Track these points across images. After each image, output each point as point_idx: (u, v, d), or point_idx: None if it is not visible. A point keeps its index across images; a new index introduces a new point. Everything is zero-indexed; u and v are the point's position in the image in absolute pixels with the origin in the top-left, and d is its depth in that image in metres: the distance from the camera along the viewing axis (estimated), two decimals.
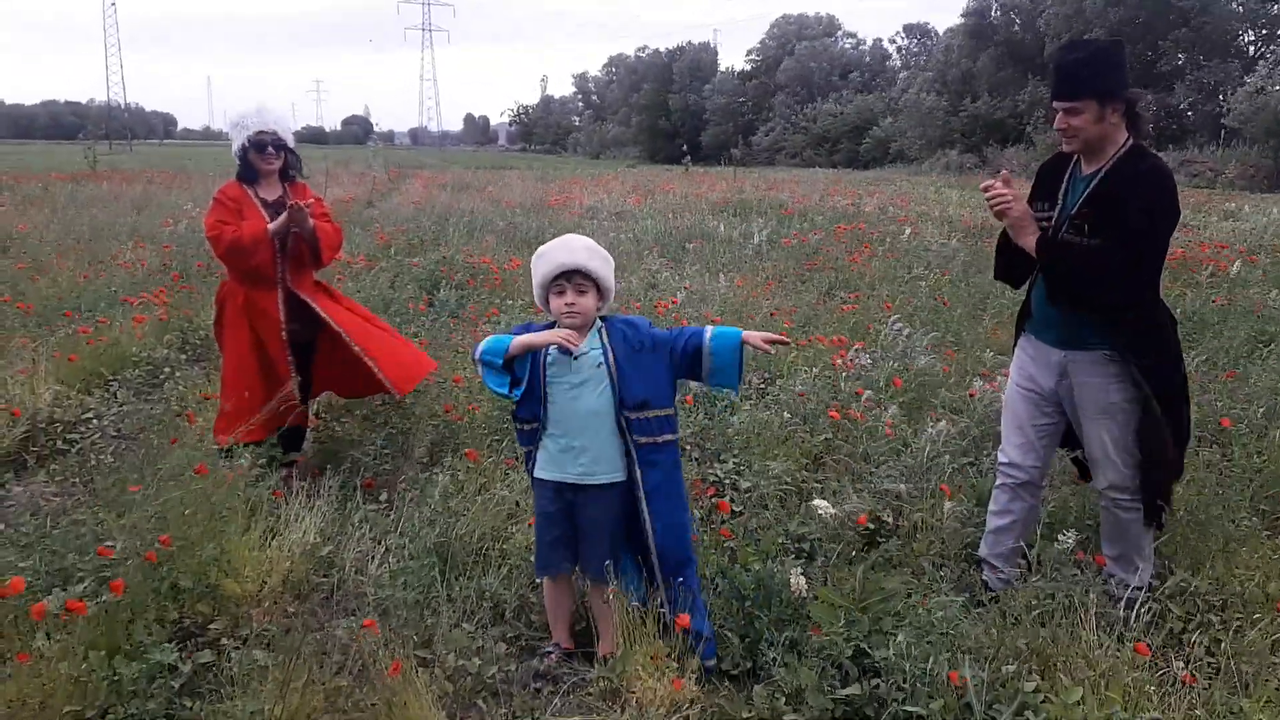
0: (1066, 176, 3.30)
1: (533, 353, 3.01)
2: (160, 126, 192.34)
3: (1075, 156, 3.28)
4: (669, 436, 3.06)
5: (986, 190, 3.28)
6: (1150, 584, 3.34)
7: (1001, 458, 3.56)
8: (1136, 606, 3.10)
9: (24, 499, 4.40)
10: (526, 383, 3.03)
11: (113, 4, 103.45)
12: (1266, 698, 2.71)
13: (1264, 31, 39.01)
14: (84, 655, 2.84)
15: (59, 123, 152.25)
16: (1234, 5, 37.75)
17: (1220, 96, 34.22)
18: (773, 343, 3.09)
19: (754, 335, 3.05)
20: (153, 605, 3.20)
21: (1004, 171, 3.42)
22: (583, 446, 3.02)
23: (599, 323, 3.07)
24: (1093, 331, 3.22)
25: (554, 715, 2.91)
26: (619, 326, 3.06)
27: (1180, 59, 38.78)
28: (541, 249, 3.07)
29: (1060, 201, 3.29)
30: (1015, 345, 3.63)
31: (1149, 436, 3.22)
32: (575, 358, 2.99)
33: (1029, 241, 3.21)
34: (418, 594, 3.39)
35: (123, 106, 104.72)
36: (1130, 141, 3.18)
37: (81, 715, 2.73)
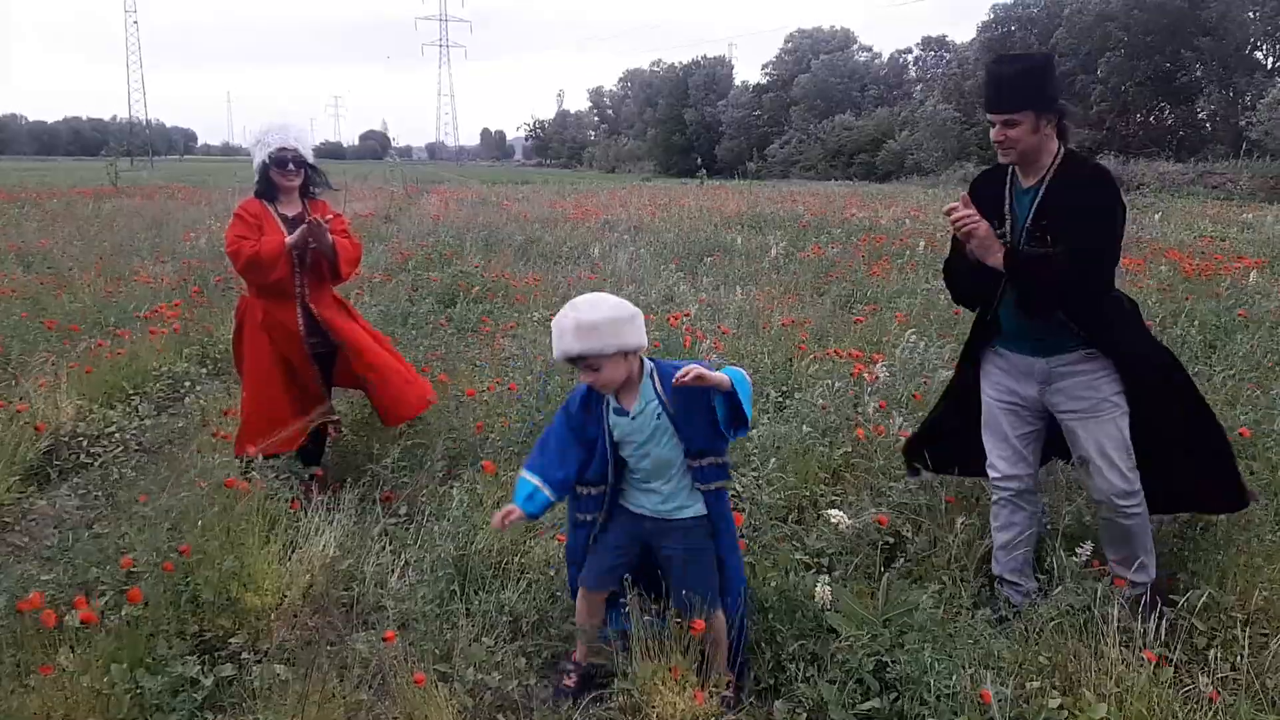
0: (1007, 191, 3.33)
1: (595, 416, 2.97)
2: (181, 142, 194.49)
3: (1010, 172, 3.32)
4: (724, 483, 3.03)
5: (950, 213, 3.30)
6: (1156, 594, 3.33)
7: (993, 474, 3.54)
8: (1155, 609, 3.08)
9: (47, 512, 4.44)
10: (594, 447, 2.99)
11: (135, 22, 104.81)
12: None
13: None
14: (106, 668, 2.86)
15: (82, 139, 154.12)
16: (1252, 16, 37.55)
17: (1241, 109, 34.08)
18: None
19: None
20: (173, 618, 3.22)
21: (964, 194, 3.43)
22: (659, 488, 2.97)
23: (650, 366, 2.95)
24: (1068, 334, 3.25)
25: None
26: (668, 371, 2.88)
27: (1199, 71, 38.63)
28: (553, 321, 2.88)
29: (1009, 216, 3.30)
30: (963, 361, 3.70)
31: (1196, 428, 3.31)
32: (633, 417, 2.91)
33: (996, 260, 3.23)
34: (436, 608, 3.40)
35: (144, 123, 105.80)
36: (1062, 149, 3.25)
37: None
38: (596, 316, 2.74)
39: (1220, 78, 38.23)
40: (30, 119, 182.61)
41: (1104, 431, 3.29)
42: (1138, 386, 3.27)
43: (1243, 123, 32.43)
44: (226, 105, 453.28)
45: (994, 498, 3.58)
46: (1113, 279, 3.27)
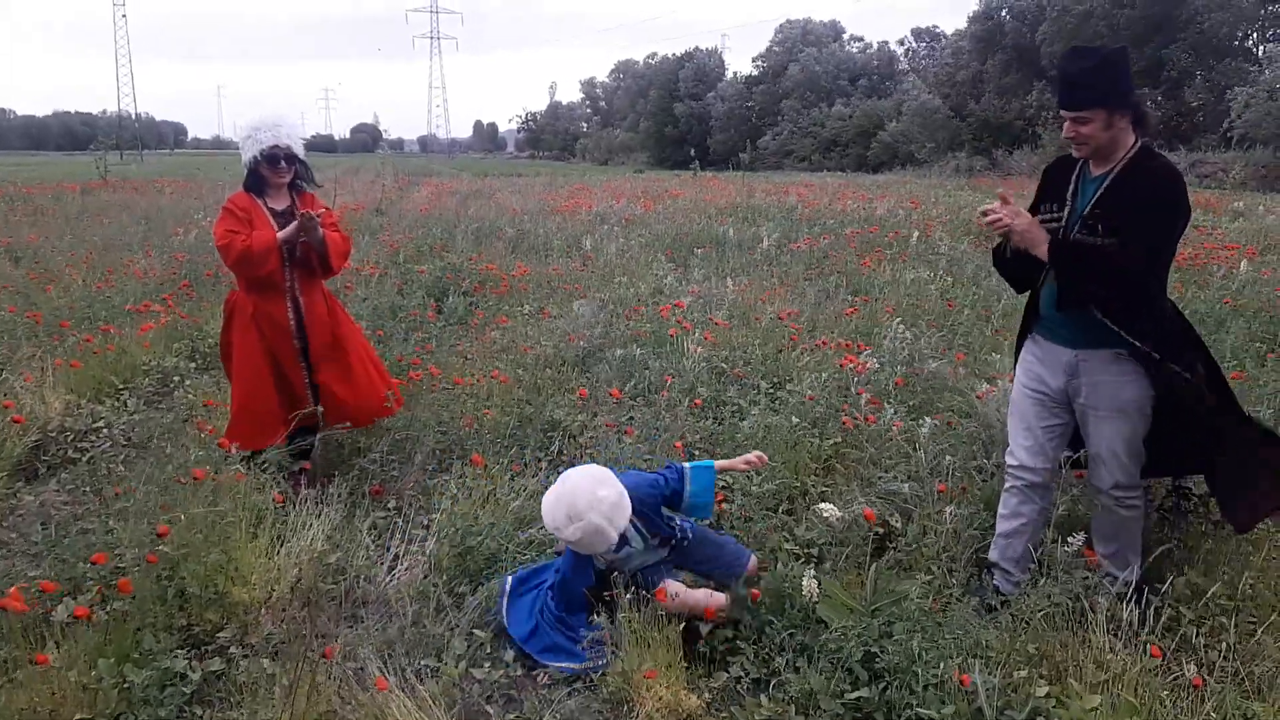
0: (1075, 177, 3.30)
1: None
2: (170, 136, 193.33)
3: (1084, 158, 3.28)
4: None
5: (985, 214, 3.28)
6: (1144, 584, 3.33)
7: (1010, 460, 3.54)
8: (1142, 606, 3.07)
9: (35, 507, 4.41)
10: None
11: (124, 15, 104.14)
12: (1278, 701, 2.68)
13: (1270, 32, 38.82)
14: (93, 663, 2.85)
15: (71, 133, 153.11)
16: (1237, 1, 37.52)
17: (1228, 98, 34.04)
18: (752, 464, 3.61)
19: (733, 462, 3.62)
20: (161, 613, 3.21)
21: (1000, 191, 3.42)
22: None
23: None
24: (1104, 330, 3.20)
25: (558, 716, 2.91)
26: (636, 489, 3.35)
27: (1187, 60, 38.61)
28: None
29: (1070, 203, 3.28)
30: (1018, 349, 3.62)
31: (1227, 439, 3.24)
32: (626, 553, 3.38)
33: (1041, 250, 3.20)
34: (427, 601, 3.40)
35: (133, 117, 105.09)
36: (1139, 143, 3.19)
37: None
38: (581, 506, 3.13)
39: (1206, 66, 38.23)
40: (19, 113, 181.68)
41: (1118, 433, 3.29)
42: (1170, 395, 3.20)
43: (1229, 117, 32.38)
44: (216, 99, 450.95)
45: (1006, 485, 3.58)
46: (1162, 283, 3.22)
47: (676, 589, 3.27)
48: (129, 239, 12.58)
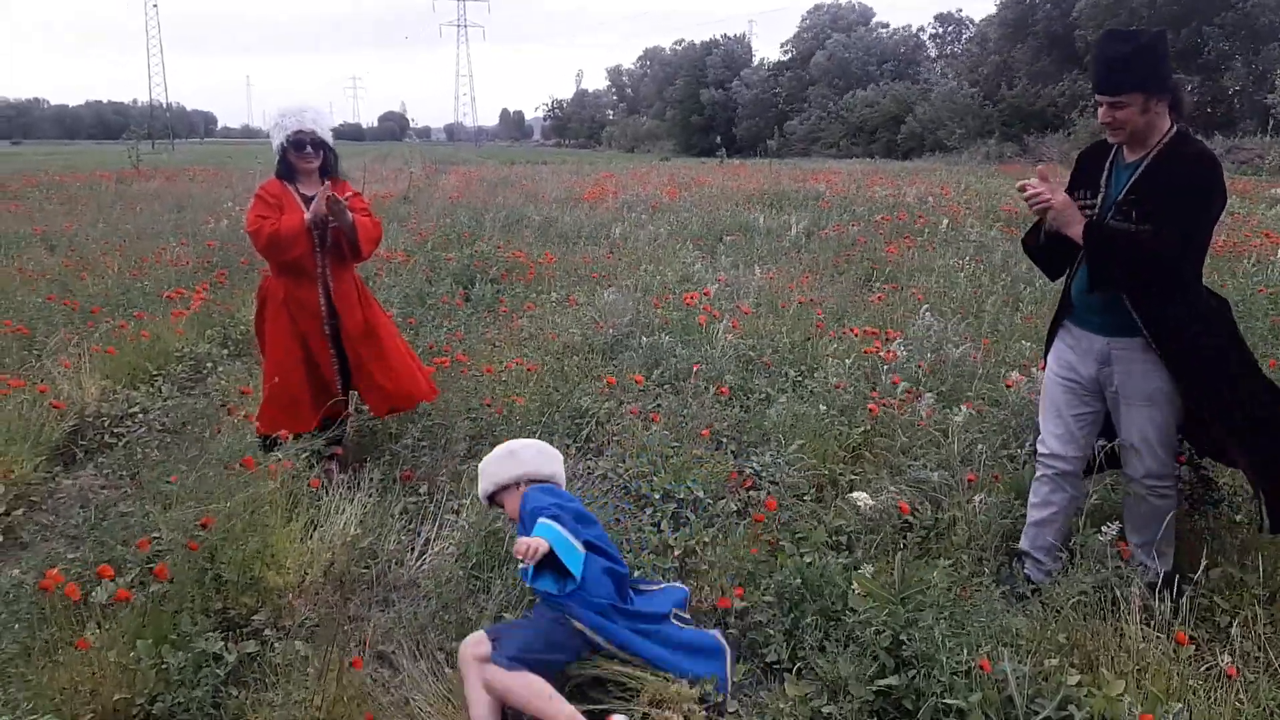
0: (1109, 163, 3.26)
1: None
2: (201, 125, 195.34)
3: (1118, 145, 3.24)
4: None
5: (1024, 189, 3.25)
6: (1177, 574, 3.30)
7: (1041, 449, 3.51)
8: (1174, 595, 3.04)
9: (73, 492, 4.49)
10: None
11: (155, 5, 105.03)
12: None
13: None
14: (132, 644, 2.90)
15: (103, 122, 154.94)
16: None
17: (1268, 86, 33.42)
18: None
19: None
20: (198, 596, 3.25)
21: (1040, 167, 3.39)
22: None
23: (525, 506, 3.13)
24: (1132, 318, 3.17)
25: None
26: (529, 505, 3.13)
27: (1225, 45, 37.94)
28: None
29: (1104, 189, 3.24)
30: (1051, 336, 3.59)
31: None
32: None
33: (1075, 231, 3.16)
34: (459, 584, 3.43)
35: (165, 106, 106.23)
36: (1174, 128, 3.14)
37: (131, 702, 2.79)
38: (485, 462, 3.25)
39: (1245, 51, 37.54)
40: (52, 103, 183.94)
41: (1151, 420, 3.26)
42: (1192, 385, 3.16)
43: (1268, 100, 31.80)
44: (246, 88, 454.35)
45: (1038, 473, 3.56)
46: (1197, 270, 3.18)
47: (473, 650, 2.89)
48: (161, 227, 12.73)
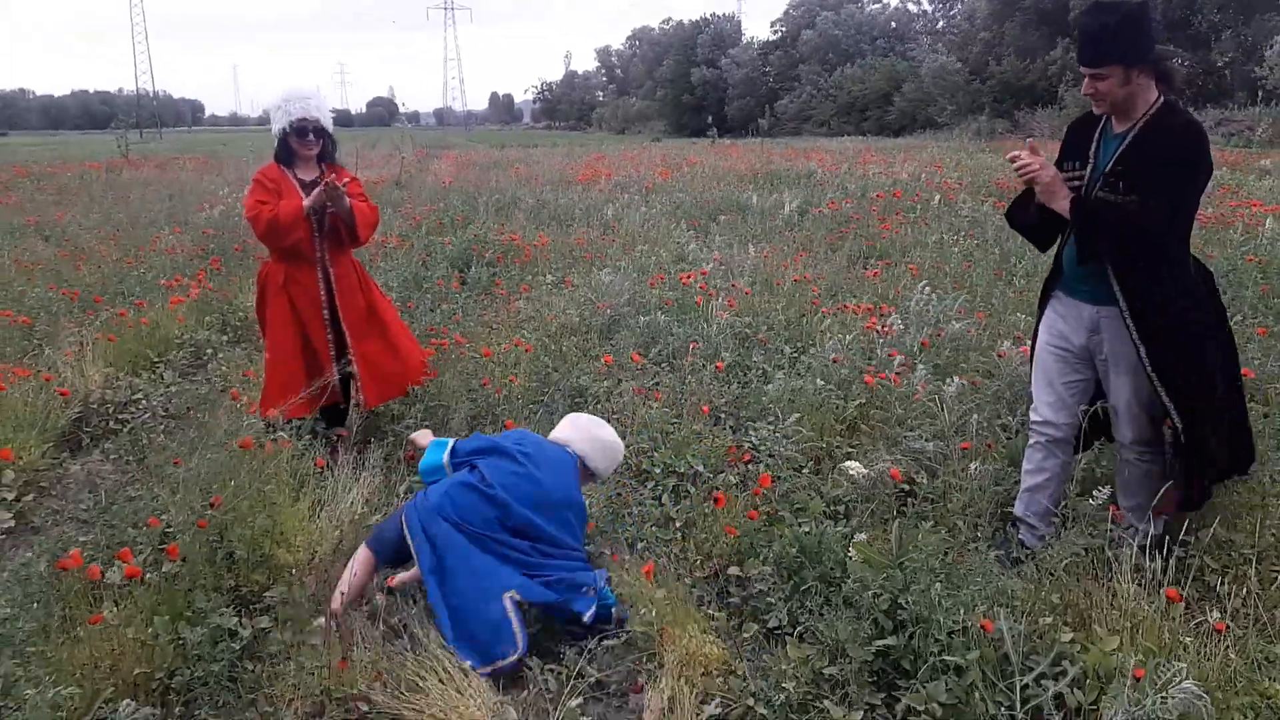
0: (1097, 135, 3.32)
1: None
2: (189, 113, 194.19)
3: (1105, 116, 3.30)
4: None
5: (1013, 160, 3.31)
6: (1167, 536, 3.38)
7: (1034, 416, 3.59)
8: (1164, 556, 3.12)
9: (81, 477, 4.55)
10: None
11: None
12: None
13: None
14: (149, 621, 2.97)
15: (90, 112, 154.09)
16: None
17: (1257, 56, 33.45)
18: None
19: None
20: (210, 574, 3.32)
21: (1029, 140, 3.45)
22: None
23: None
24: (1116, 290, 3.24)
25: (598, 670, 3.00)
26: None
27: (1216, 17, 37.91)
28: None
29: (1092, 160, 3.30)
30: (1042, 305, 3.65)
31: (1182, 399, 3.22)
32: None
33: (1062, 205, 3.23)
34: None
35: (151, 95, 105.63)
36: (1161, 99, 3.19)
37: (150, 676, 2.86)
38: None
39: (1235, 23, 37.53)
40: (37, 93, 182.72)
41: (1136, 385, 3.32)
42: (1159, 351, 3.21)
43: (1257, 72, 31.82)
44: (233, 76, 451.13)
45: (1030, 440, 3.63)
46: (1185, 240, 3.24)
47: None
48: (154, 216, 12.72)
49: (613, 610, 3.23)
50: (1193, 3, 38.13)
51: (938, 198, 12.01)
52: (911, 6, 64.75)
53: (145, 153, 32.64)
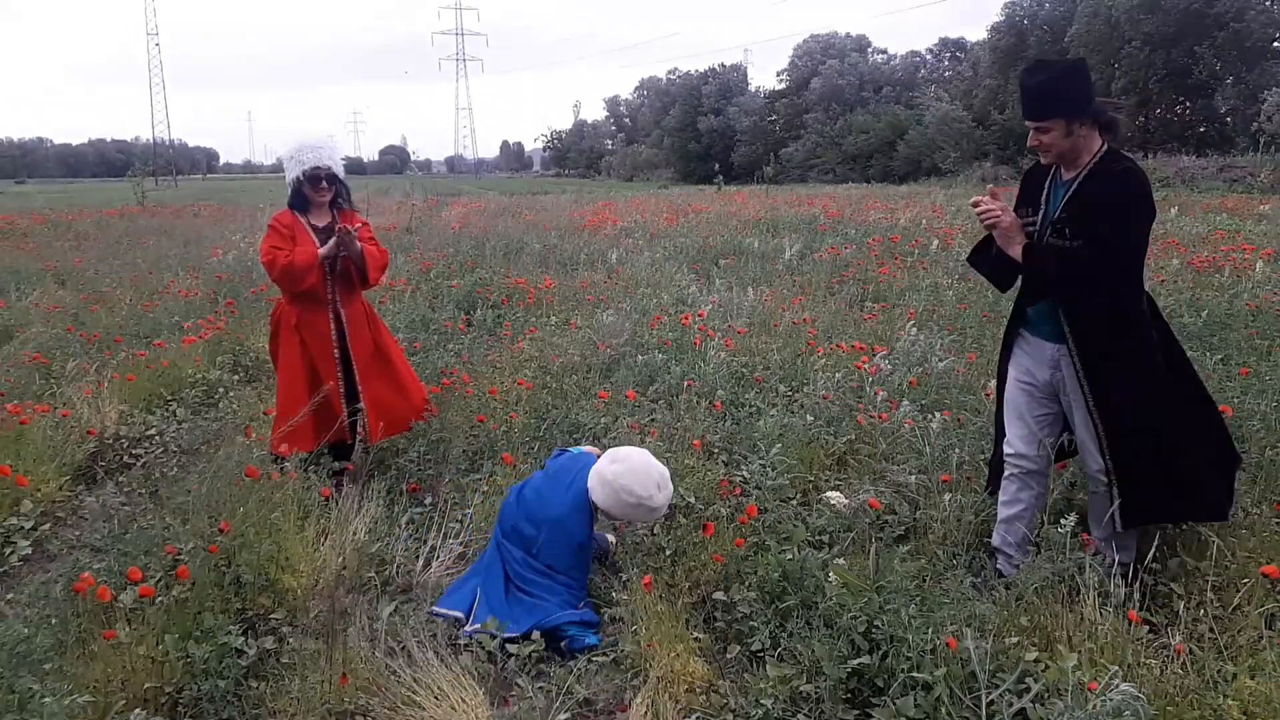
0: (1048, 183, 3.52)
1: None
2: (203, 161, 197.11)
3: (1055, 164, 3.50)
4: None
5: (976, 205, 3.51)
6: (1135, 563, 3.51)
7: (1007, 449, 3.74)
8: (1128, 582, 3.25)
9: (96, 508, 4.72)
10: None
11: (157, 45, 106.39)
12: (1250, 662, 2.87)
13: None
14: (159, 639, 3.12)
15: (106, 160, 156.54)
16: (1269, 6, 37.30)
17: (1259, 103, 33.85)
18: None
19: None
20: (218, 597, 3.48)
21: (990, 186, 3.66)
22: None
23: None
24: (1064, 328, 3.45)
25: (586, 688, 3.14)
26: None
27: (1217, 65, 38.42)
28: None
29: (1043, 207, 3.51)
30: (1006, 345, 3.85)
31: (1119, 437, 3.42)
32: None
33: (1016, 250, 3.43)
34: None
35: (168, 143, 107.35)
36: (1105, 147, 3.41)
37: (160, 691, 3.01)
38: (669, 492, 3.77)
39: (1237, 71, 38.02)
40: (55, 142, 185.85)
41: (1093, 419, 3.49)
42: (1101, 389, 3.41)
43: (1258, 119, 32.21)
44: (248, 125, 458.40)
45: (1006, 473, 3.77)
46: (1136, 279, 3.41)
47: None
48: (169, 261, 13.03)
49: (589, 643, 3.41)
50: (1193, 52, 38.66)
51: (935, 242, 12.23)
52: (916, 56, 65.48)
53: (160, 200, 33.24)
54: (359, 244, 4.73)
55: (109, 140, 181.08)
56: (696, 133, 71.89)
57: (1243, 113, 36.83)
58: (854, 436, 5.02)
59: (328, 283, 4.81)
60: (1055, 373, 3.56)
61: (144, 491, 4.81)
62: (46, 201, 36.32)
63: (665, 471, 3.75)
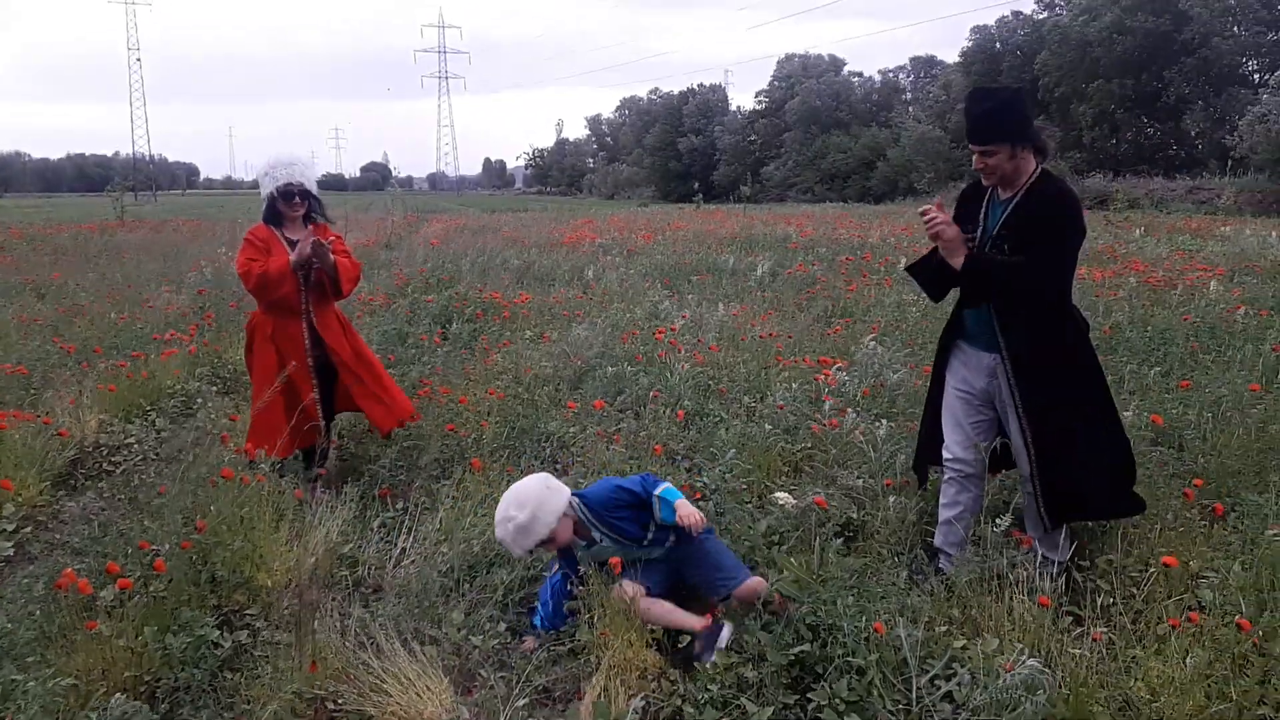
0: (985, 202, 3.76)
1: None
2: (183, 176, 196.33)
3: (993, 185, 3.74)
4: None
5: (924, 214, 3.74)
6: (1069, 561, 3.73)
7: (946, 455, 3.96)
8: (1053, 577, 3.47)
9: (76, 512, 4.87)
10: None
11: (138, 59, 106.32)
12: (1157, 649, 3.09)
13: (1266, 60, 39.41)
14: (138, 632, 3.28)
15: (85, 175, 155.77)
16: (1236, 32, 38.16)
17: (1228, 126, 34.62)
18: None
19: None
20: (194, 594, 3.64)
21: (938, 199, 3.89)
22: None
23: (579, 505, 3.66)
24: (999, 338, 3.68)
25: (545, 677, 3.32)
26: (592, 497, 3.69)
27: (1186, 89, 39.25)
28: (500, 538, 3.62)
29: (982, 224, 3.74)
30: (941, 349, 4.07)
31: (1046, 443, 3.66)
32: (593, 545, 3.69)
33: (957, 262, 3.66)
34: (432, 585, 3.82)
35: (147, 158, 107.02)
36: (1039, 169, 3.65)
37: (139, 680, 3.17)
38: (524, 518, 3.46)
39: (1206, 95, 38.85)
40: (34, 156, 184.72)
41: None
42: (1029, 394, 3.66)
43: (1227, 140, 32.94)
44: (228, 140, 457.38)
45: (945, 476, 4.00)
46: (1066, 292, 3.67)
47: (630, 591, 3.47)
48: (148, 276, 13.13)
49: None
50: (1163, 76, 39.47)
51: (903, 260, 12.50)
52: (898, 76, 66.35)
53: (139, 215, 33.24)
54: (331, 256, 4.92)
55: (88, 155, 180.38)
56: (677, 152, 72.55)
57: (1211, 135, 37.61)
58: (810, 444, 5.23)
59: (302, 292, 4.99)
60: (991, 381, 3.79)
61: (123, 497, 4.95)
62: (24, 216, 36.23)
63: (532, 493, 3.54)
